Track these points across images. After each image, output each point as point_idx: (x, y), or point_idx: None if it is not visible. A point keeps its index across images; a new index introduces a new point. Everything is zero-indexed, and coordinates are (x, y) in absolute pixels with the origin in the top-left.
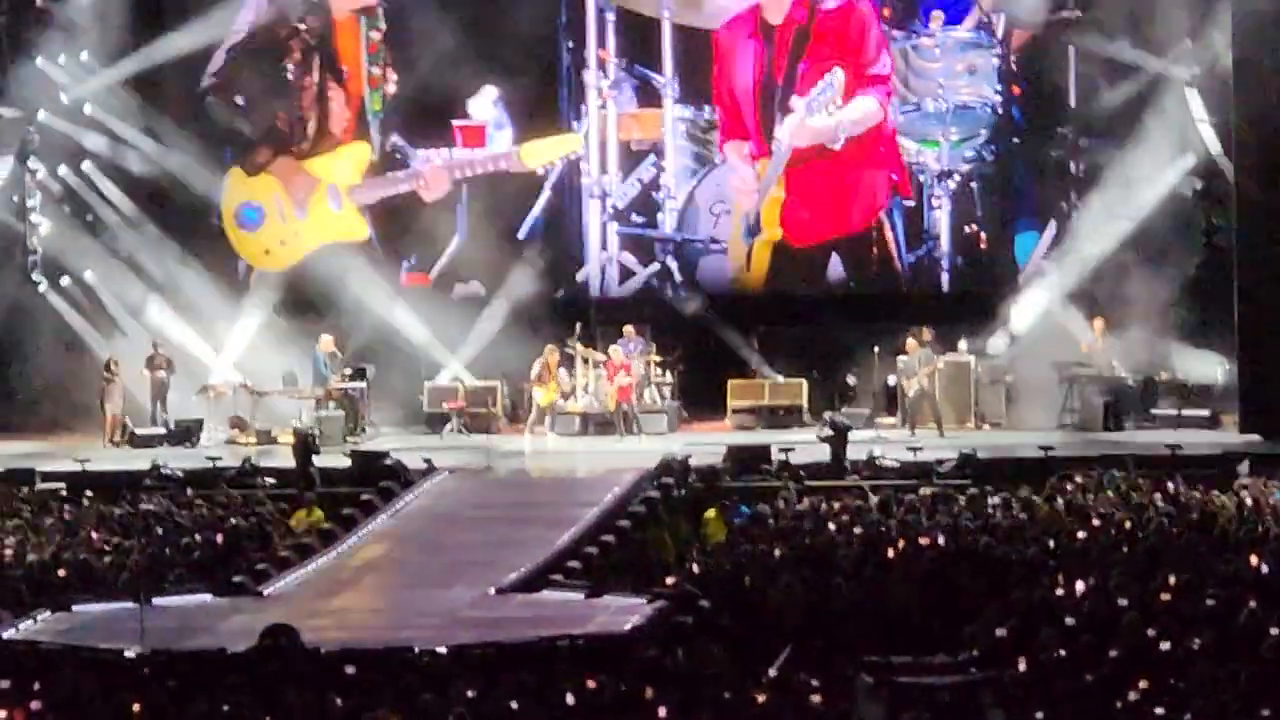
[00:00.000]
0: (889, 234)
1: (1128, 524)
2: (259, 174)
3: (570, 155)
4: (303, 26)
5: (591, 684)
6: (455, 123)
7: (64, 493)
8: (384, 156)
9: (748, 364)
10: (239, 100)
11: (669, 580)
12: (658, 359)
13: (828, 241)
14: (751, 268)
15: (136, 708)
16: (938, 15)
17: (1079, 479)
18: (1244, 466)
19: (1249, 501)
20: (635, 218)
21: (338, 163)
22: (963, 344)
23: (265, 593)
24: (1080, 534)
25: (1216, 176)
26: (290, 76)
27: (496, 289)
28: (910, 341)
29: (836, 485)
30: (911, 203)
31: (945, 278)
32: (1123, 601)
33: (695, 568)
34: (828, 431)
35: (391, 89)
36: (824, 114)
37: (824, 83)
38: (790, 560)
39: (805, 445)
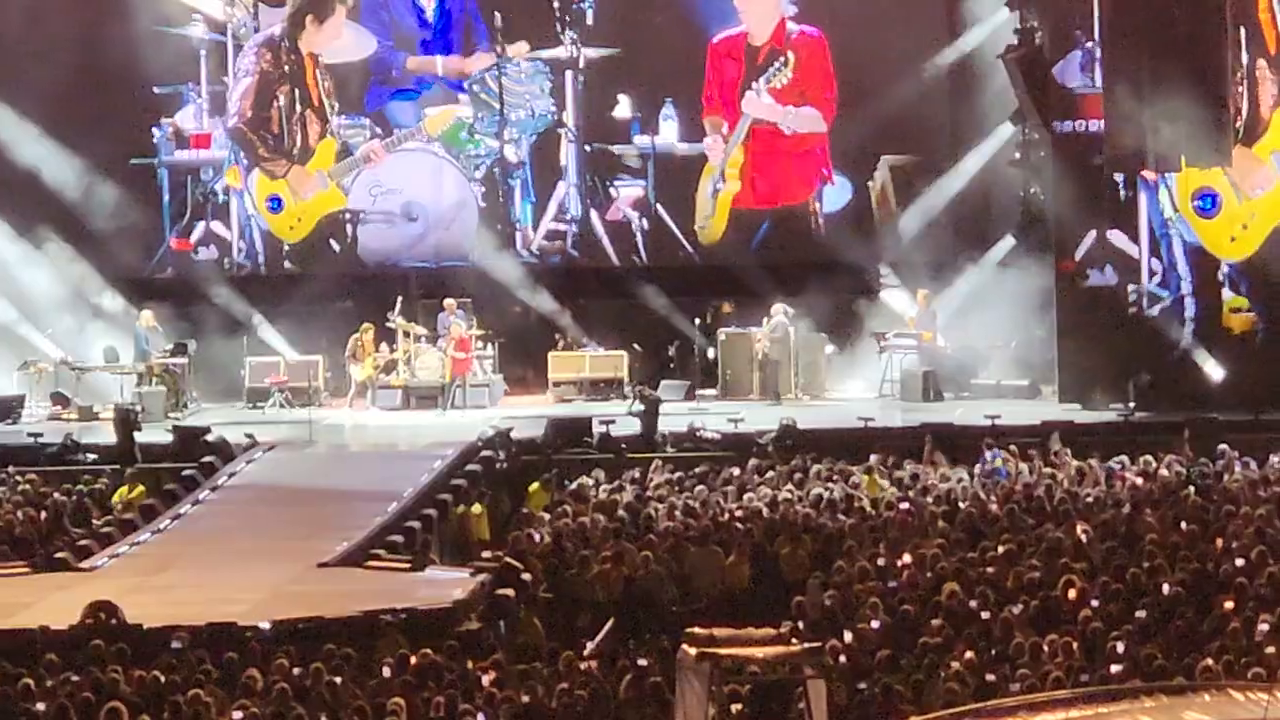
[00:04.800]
0: (817, 210)
1: (950, 495)
2: (277, 179)
3: (460, 117)
4: (287, 69)
5: (413, 657)
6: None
7: None
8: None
9: (567, 337)
10: (254, 132)
11: (491, 554)
12: (478, 333)
13: (767, 209)
14: (714, 219)
15: None
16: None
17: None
18: (1055, 439)
19: (1072, 471)
20: None
21: (321, 156)
22: (783, 317)
23: (87, 569)
24: (902, 505)
25: (1033, 146)
26: (282, 107)
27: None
28: (776, 306)
29: (657, 457)
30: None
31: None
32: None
33: (517, 541)
34: (638, 405)
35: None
36: (777, 83)
37: (779, 62)
38: (610, 533)
39: (627, 418)
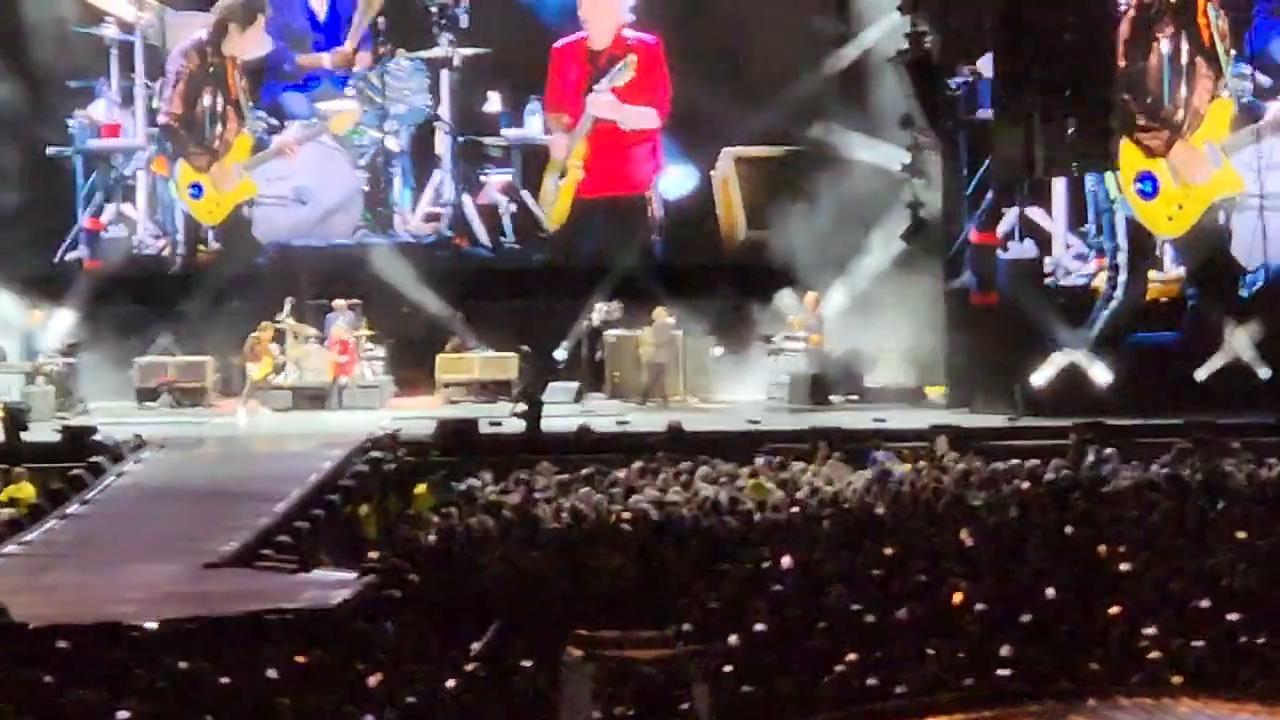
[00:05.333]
0: (653, 199)
1: (835, 498)
2: (201, 170)
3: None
4: (212, 71)
5: (300, 658)
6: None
7: None
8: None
9: (457, 338)
10: (183, 127)
11: (378, 554)
12: (368, 333)
13: (604, 198)
14: (556, 207)
15: None
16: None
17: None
18: (941, 442)
19: (958, 474)
20: None
21: (239, 149)
22: (670, 319)
23: None
24: (793, 508)
25: (922, 151)
26: (207, 106)
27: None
28: (658, 310)
29: (544, 459)
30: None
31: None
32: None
33: (404, 542)
34: (521, 406)
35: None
36: (619, 80)
37: (621, 63)
38: (497, 534)
39: (514, 419)
